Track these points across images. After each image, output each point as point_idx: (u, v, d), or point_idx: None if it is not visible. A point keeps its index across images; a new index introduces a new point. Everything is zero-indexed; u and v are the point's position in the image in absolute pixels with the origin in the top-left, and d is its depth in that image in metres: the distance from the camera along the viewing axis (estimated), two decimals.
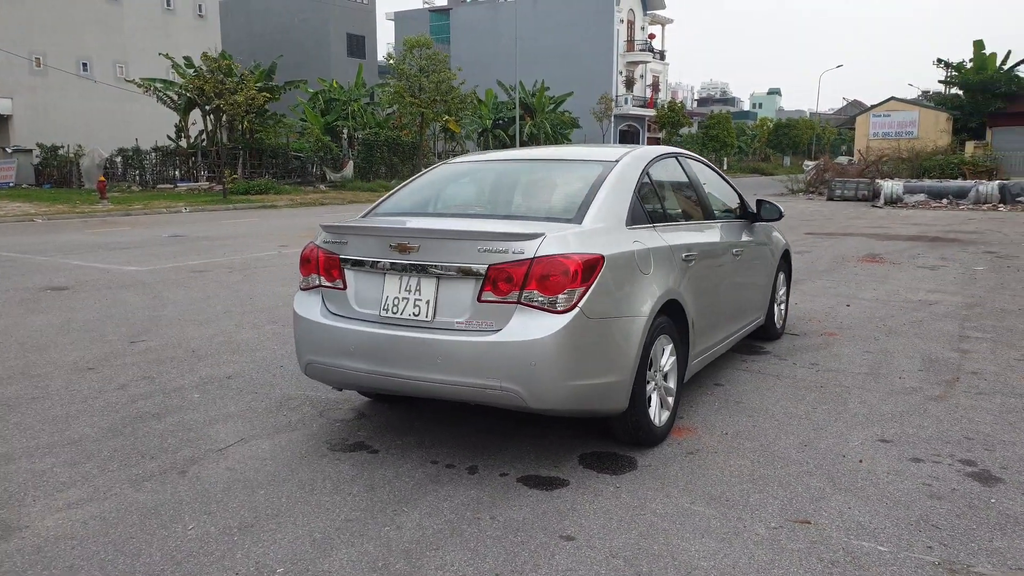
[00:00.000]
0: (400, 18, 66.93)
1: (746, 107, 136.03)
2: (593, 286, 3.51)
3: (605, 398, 3.65)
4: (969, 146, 32.70)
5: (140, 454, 4.06)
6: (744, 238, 5.44)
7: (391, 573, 2.87)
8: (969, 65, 37.50)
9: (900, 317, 7.40)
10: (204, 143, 33.65)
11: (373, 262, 3.82)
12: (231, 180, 28.41)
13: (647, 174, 4.40)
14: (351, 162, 36.99)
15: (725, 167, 66.61)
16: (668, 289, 4.05)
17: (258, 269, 10.84)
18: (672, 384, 4.21)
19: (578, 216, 3.85)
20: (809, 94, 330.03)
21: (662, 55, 61.61)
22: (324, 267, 4.04)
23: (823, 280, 9.72)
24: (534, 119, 46.76)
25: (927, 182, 25.17)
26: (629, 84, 56.88)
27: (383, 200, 4.59)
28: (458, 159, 5.01)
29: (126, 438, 4.29)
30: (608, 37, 55.20)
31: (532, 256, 3.48)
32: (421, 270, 3.69)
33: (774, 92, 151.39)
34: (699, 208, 5.01)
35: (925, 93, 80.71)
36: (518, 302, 3.50)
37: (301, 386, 5.22)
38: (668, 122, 52.39)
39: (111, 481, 3.72)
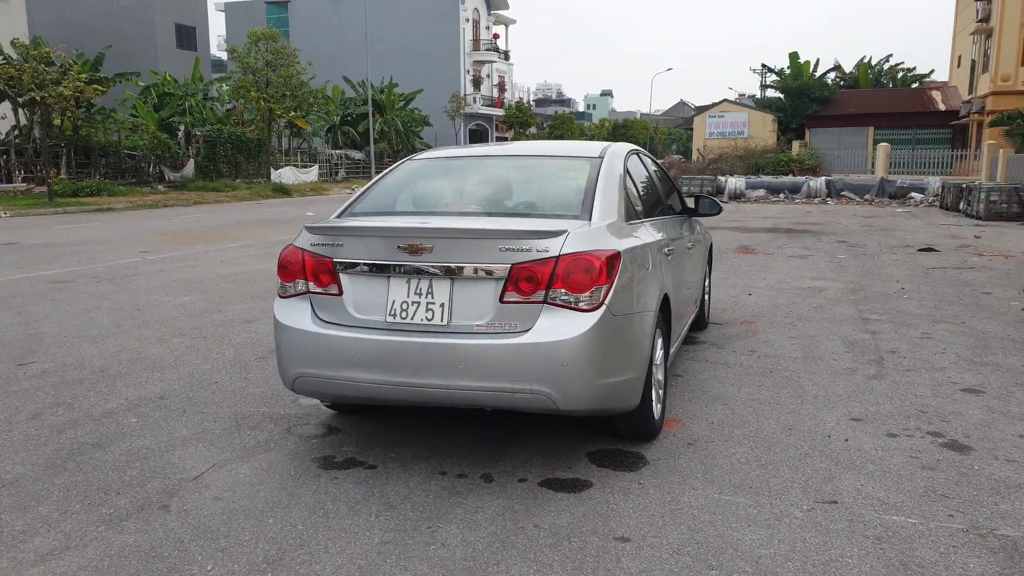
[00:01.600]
0: (232, 9, 63.53)
1: (581, 108, 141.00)
2: (615, 283, 3.48)
3: (625, 395, 3.63)
4: (795, 145, 35.69)
5: (101, 490, 3.58)
6: (687, 232, 5.61)
7: None
8: (788, 72, 40.94)
9: (801, 304, 7.93)
10: (18, 139, 30.33)
11: (377, 265, 3.57)
12: (56, 181, 25.79)
13: (627, 170, 4.42)
14: (192, 161, 34.75)
15: None
16: (663, 283, 4.10)
17: (129, 278, 9.93)
18: (661, 376, 4.26)
19: (584, 213, 3.80)
20: (639, 96, 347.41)
21: (506, 55, 62.58)
22: (312, 272, 3.74)
23: (715, 272, 10.24)
24: (384, 116, 46.04)
25: (765, 178, 27.24)
26: (476, 83, 57.32)
27: (357, 199, 4.31)
28: (426, 155, 4.79)
29: (72, 474, 3.77)
30: (454, 36, 55.33)
31: (557, 254, 3.39)
32: (433, 272, 3.49)
33: (606, 94, 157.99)
34: (660, 203, 5.11)
35: (742, 96, 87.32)
36: (544, 302, 3.40)
37: (249, 403, 4.83)
38: (516, 122, 53.31)
39: (81, 524, 3.26)
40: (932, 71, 48.33)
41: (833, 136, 36.92)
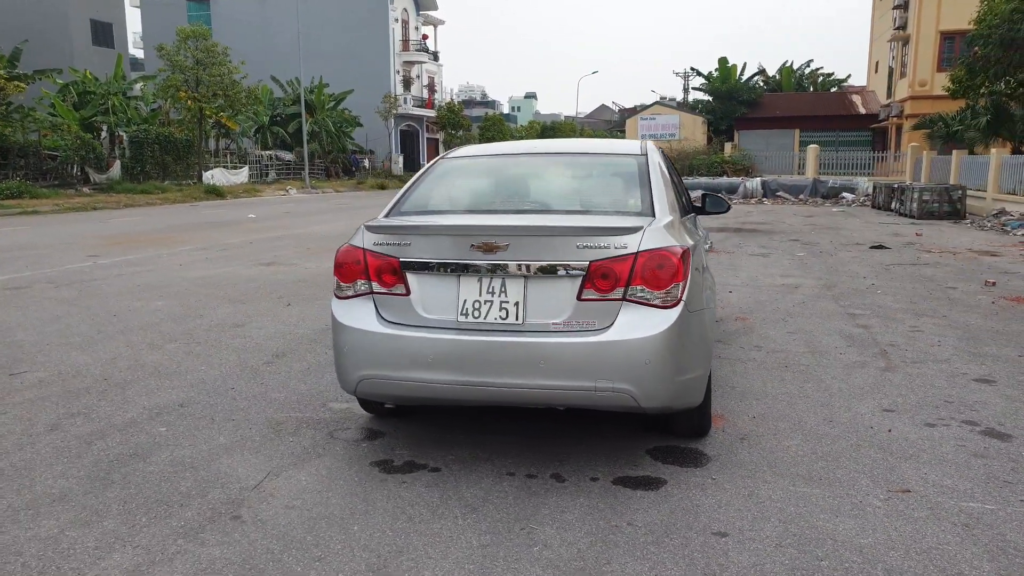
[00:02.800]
0: (149, 5, 61.01)
1: (506, 110, 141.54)
2: (688, 279, 3.51)
3: (695, 392, 3.66)
4: (728, 147, 36.73)
5: (160, 502, 3.40)
6: (701, 230, 5.71)
7: None
8: (716, 75, 42.11)
9: (783, 300, 8.16)
10: None
11: (448, 264, 3.50)
12: None
13: (663, 167, 4.46)
14: (117, 162, 33.25)
15: None
16: (707, 278, 4.16)
17: (88, 283, 9.46)
18: None
19: (646, 209, 3.82)
20: (562, 98, 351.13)
21: (436, 56, 62.25)
22: (376, 272, 3.64)
23: None
24: (315, 116, 45.10)
25: (702, 179, 27.94)
26: (407, 84, 56.78)
27: (401, 199, 4.20)
28: (461, 153, 4.71)
29: (122, 486, 3.58)
30: (384, 36, 54.64)
31: (636, 251, 3.40)
32: (506, 270, 3.45)
33: (531, 96, 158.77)
34: (684, 200, 5.18)
35: (664, 99, 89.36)
36: (624, 299, 3.40)
37: (276, 408, 4.67)
38: (448, 123, 53.07)
39: (156, 537, 3.09)
40: (849, 75, 50.53)
41: (761, 138, 38.15)
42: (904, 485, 3.52)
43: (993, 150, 19.88)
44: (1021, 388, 4.99)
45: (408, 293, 3.58)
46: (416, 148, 57.64)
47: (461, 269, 3.49)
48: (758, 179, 27.12)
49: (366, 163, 51.46)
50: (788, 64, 46.61)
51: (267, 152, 45.39)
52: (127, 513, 3.31)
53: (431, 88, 60.59)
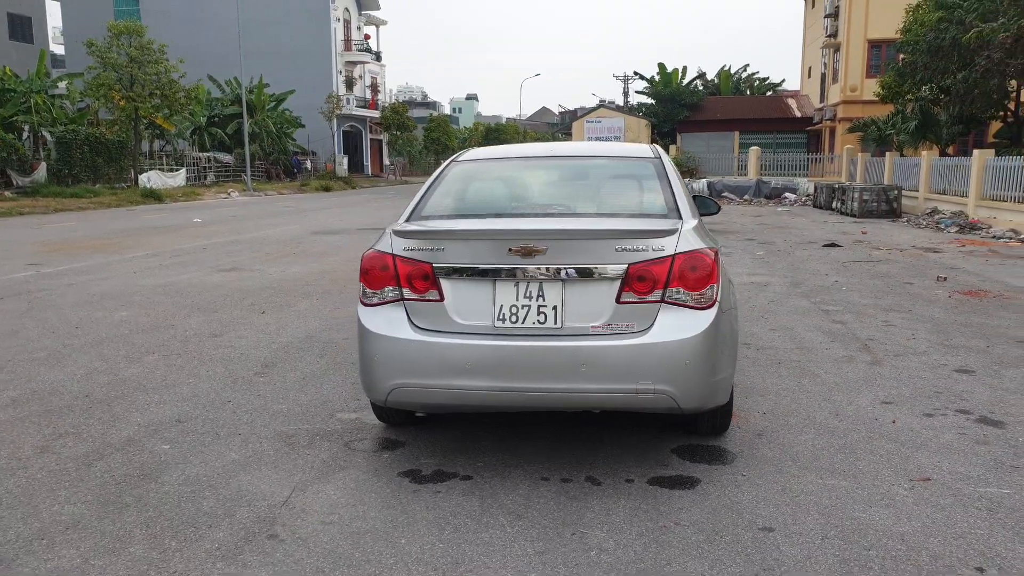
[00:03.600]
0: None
1: (447, 111, 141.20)
2: (720, 280, 3.57)
3: (725, 391, 3.71)
4: (672, 149, 37.37)
5: (186, 524, 3.28)
6: None
7: None
8: (658, 79, 42.84)
9: (756, 298, 8.36)
10: None
11: (486, 269, 3.47)
12: None
13: (676, 169, 4.52)
14: (43, 164, 31.85)
15: None
16: (730, 279, 4.23)
17: (37, 293, 9.06)
18: None
19: (672, 212, 3.86)
20: (503, 100, 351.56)
21: (379, 56, 61.67)
22: (407, 278, 3.58)
23: None
24: (255, 117, 44.10)
25: None
26: (350, 84, 56.08)
27: (419, 203, 4.14)
28: (472, 156, 4.66)
29: (139, 509, 3.43)
30: (325, 35, 53.86)
31: (673, 253, 3.43)
32: (543, 274, 3.44)
33: (472, 97, 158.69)
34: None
35: (603, 102, 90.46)
36: (662, 301, 3.43)
37: (282, 421, 4.56)
38: (392, 124, 52.63)
39: (193, 562, 2.98)
40: (783, 80, 52.11)
41: (703, 140, 38.95)
42: (923, 474, 3.65)
43: (923, 152, 20.78)
44: (998, 377, 5.23)
45: (442, 299, 3.53)
46: (360, 149, 57.00)
47: (498, 274, 3.46)
48: (704, 180, 27.70)
49: (308, 164, 50.60)
50: (726, 68, 47.74)
51: (205, 154, 44.15)
52: (153, 538, 3.17)
53: (374, 88, 59.99)
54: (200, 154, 43.75)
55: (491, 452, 4.00)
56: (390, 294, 3.63)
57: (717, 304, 3.50)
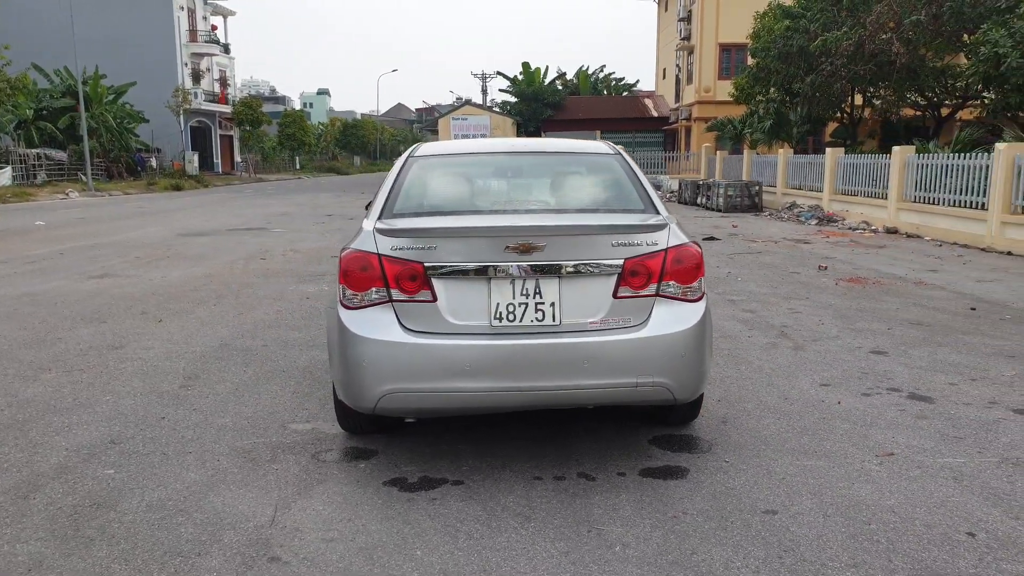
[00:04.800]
0: None
1: (297, 106, 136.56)
2: (704, 273, 3.66)
3: (706, 380, 3.81)
4: None
5: (171, 554, 2.99)
6: None
7: None
8: (521, 79, 43.52)
9: None
10: None
11: (482, 267, 3.37)
12: None
13: None
14: None
15: (299, 166, 66.49)
16: None
17: None
18: None
19: (649, 207, 3.92)
20: (357, 95, 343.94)
21: (227, 48, 58.66)
22: (396, 278, 3.41)
23: None
24: (91, 110, 40.74)
25: None
26: (196, 77, 52.95)
27: (388, 202, 3.94)
28: (429, 152, 4.48)
29: (110, 543, 3.09)
30: (168, 25, 50.58)
31: (666, 247, 3.49)
32: (539, 271, 3.39)
33: (324, 92, 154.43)
34: None
35: (459, 100, 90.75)
36: (656, 295, 3.47)
37: (232, 435, 4.27)
38: (246, 119, 50.28)
39: None
40: (638, 81, 54.33)
41: (567, 138, 39.93)
42: (885, 449, 3.92)
43: (780, 150, 22.34)
44: (908, 356, 5.70)
45: (434, 299, 3.40)
46: (209, 146, 53.98)
47: (493, 272, 3.38)
48: None
49: (153, 162, 47.34)
50: (584, 69, 49.18)
51: (34, 151, 40.33)
52: (137, 572, 2.86)
53: (223, 82, 56.97)
54: (28, 151, 39.92)
55: (472, 456, 3.90)
56: (376, 296, 3.45)
57: (705, 296, 3.59)
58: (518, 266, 3.37)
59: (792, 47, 21.28)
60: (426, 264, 3.39)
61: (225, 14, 58.93)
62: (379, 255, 3.44)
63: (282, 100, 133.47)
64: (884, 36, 17.85)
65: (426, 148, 4.56)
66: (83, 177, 35.78)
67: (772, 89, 24.23)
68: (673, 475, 3.65)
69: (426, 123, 68.30)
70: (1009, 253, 11.35)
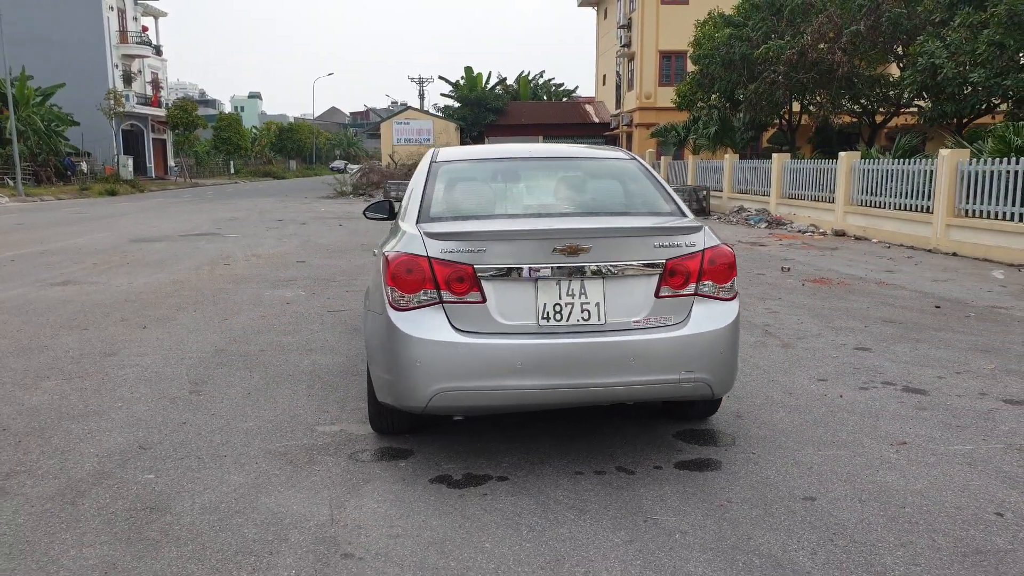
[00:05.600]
0: None
1: (227, 109, 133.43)
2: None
3: (736, 376, 4.00)
4: None
5: (242, 553, 3.01)
6: None
7: (748, 566, 2.87)
8: (463, 83, 43.62)
9: None
10: None
11: (531, 268, 3.48)
12: None
13: None
14: None
15: (233, 171, 65.02)
16: None
17: None
18: None
19: (676, 210, 4.09)
20: (289, 100, 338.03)
21: (159, 50, 56.99)
22: (446, 280, 3.50)
23: None
24: (18, 113, 39.07)
25: None
26: (128, 79, 51.28)
27: (423, 208, 4.01)
28: (452, 156, 4.56)
29: (177, 543, 3.10)
30: (97, 25, 48.87)
31: (703, 248, 3.66)
32: (584, 272, 3.52)
33: (255, 96, 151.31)
34: None
35: (395, 103, 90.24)
36: (695, 294, 3.64)
37: (264, 438, 4.27)
38: (180, 122, 48.95)
39: None
40: (577, 87, 55.02)
41: (510, 143, 40.23)
42: (897, 439, 4.17)
43: (726, 155, 23.02)
44: (892, 352, 6.03)
45: (484, 300, 3.50)
46: (142, 149, 52.33)
47: (540, 273, 3.49)
48: None
49: (83, 166, 45.63)
50: (525, 74, 49.57)
51: None
52: (216, 572, 2.88)
53: (156, 84, 55.32)
54: None
55: (508, 453, 4.00)
56: (426, 297, 3.53)
57: (738, 295, 3.78)
58: (565, 267, 3.49)
59: (735, 55, 21.99)
60: (476, 266, 3.48)
61: (156, 15, 57.28)
62: (429, 258, 3.52)
63: (212, 103, 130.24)
64: (824, 46, 18.64)
65: (447, 153, 4.65)
66: (10, 182, 34.27)
67: (714, 96, 25.00)
68: (708, 467, 3.82)
69: (367, 127, 67.73)
70: (954, 254, 12.01)
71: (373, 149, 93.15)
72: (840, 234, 15.33)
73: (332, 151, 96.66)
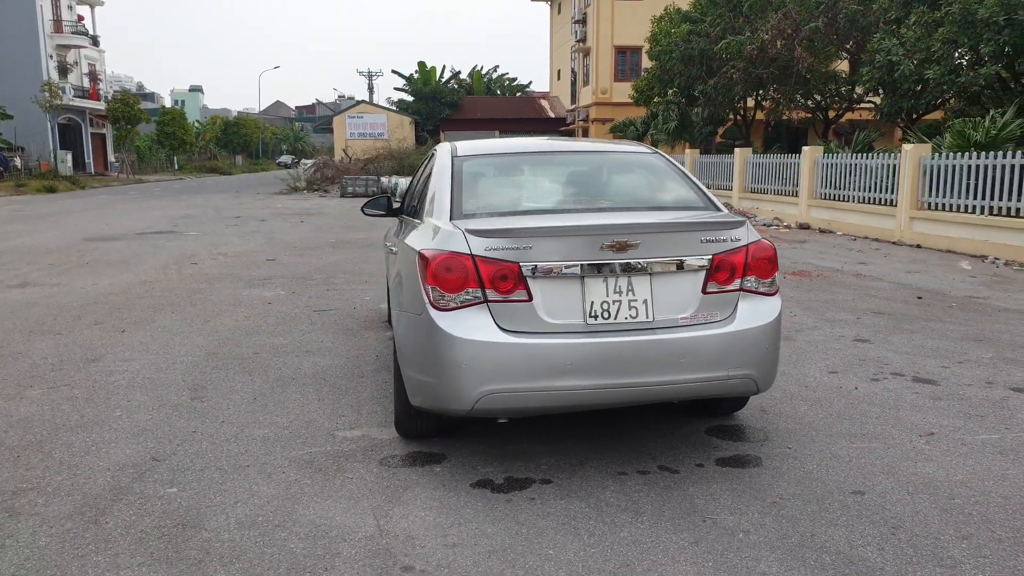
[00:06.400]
0: None
1: (167, 103, 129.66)
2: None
3: None
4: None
5: (297, 569, 2.86)
6: None
7: (821, 564, 2.84)
8: (417, 78, 43.18)
9: None
10: None
11: (579, 266, 3.38)
12: None
13: None
14: None
15: (177, 167, 63.22)
16: None
17: None
18: None
19: (709, 204, 4.04)
20: (230, 93, 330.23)
21: (96, 40, 54.98)
22: (491, 278, 3.38)
23: None
24: None
25: None
26: (63, 71, 49.35)
27: (454, 202, 3.86)
28: (472, 152, 4.41)
29: (223, 562, 2.93)
30: (30, 14, 46.89)
31: (747, 243, 3.61)
32: (631, 269, 3.44)
33: (196, 89, 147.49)
34: None
35: (342, 98, 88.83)
36: (740, 289, 3.60)
37: (284, 446, 4.10)
38: (121, 116, 47.30)
39: None
40: (531, 82, 55.09)
41: (466, 138, 39.65)
42: (924, 430, 4.21)
43: (687, 150, 23.26)
44: (889, 343, 6.12)
45: (530, 299, 3.39)
46: (80, 144, 50.46)
47: (588, 270, 3.40)
48: None
49: (17, 162, 43.74)
50: (478, 69, 49.33)
51: None
52: None
53: (94, 77, 53.35)
54: None
55: (545, 455, 3.91)
56: (470, 296, 3.40)
57: (779, 290, 3.75)
58: (614, 264, 3.41)
59: (694, 50, 22.22)
60: (522, 264, 3.38)
61: (92, 3, 55.21)
62: (472, 255, 3.40)
63: (151, 97, 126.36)
64: (783, 42, 18.94)
65: (467, 148, 4.50)
66: None
67: (670, 91, 25.25)
68: (749, 463, 3.79)
69: (319, 121, 66.49)
70: (919, 246, 12.33)
71: (321, 144, 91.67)
72: (804, 227, 15.61)
73: (279, 146, 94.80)
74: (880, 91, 16.38)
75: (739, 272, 3.59)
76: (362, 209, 6.04)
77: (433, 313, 3.44)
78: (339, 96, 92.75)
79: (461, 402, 3.41)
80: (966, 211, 11.65)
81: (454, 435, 4.16)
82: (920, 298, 8.04)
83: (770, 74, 19.77)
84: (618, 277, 3.45)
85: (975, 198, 11.45)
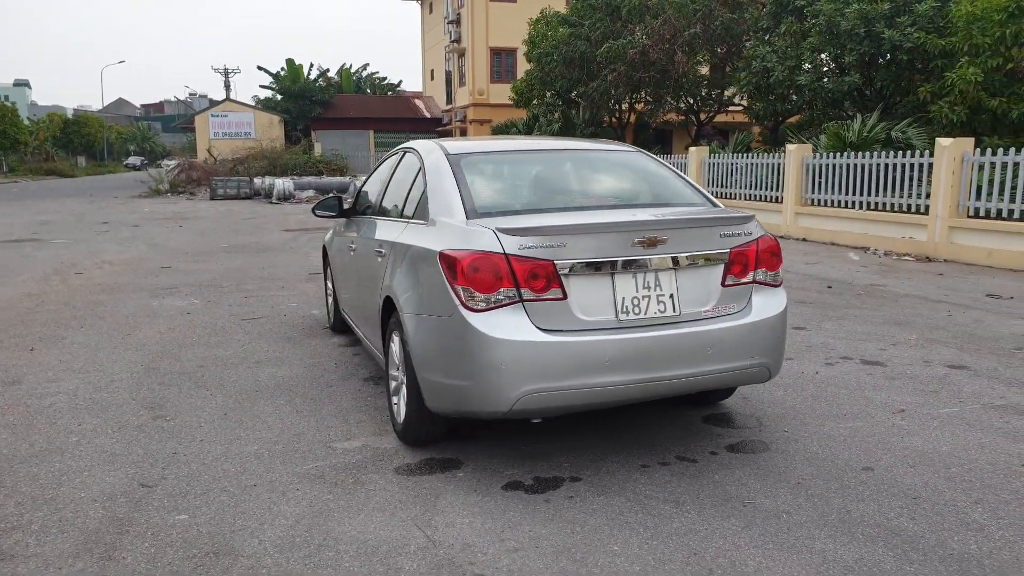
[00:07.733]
0: None
1: None
2: None
3: None
4: (318, 147, 36.62)
5: None
6: None
7: (869, 537, 3.01)
8: (285, 75, 41.67)
9: None
10: None
11: (613, 262, 3.40)
12: None
13: None
14: None
15: (7, 168, 57.80)
16: None
17: None
18: None
19: (705, 200, 4.16)
20: (63, 89, 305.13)
21: None
22: (526, 277, 3.32)
23: None
24: None
25: (310, 179, 27.61)
26: None
27: (464, 201, 3.76)
28: (470, 149, 4.31)
29: None
30: None
31: (757, 236, 3.75)
32: (660, 264, 3.50)
33: (22, 84, 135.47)
34: None
35: (193, 95, 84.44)
36: (753, 282, 3.73)
37: (282, 461, 3.88)
38: None
39: None
40: (401, 81, 54.40)
41: (338, 138, 39.00)
42: (895, 407, 4.53)
43: (690, 150, 23.75)
44: (824, 329, 6.52)
45: (565, 297, 3.37)
46: None
47: (620, 267, 3.43)
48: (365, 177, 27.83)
49: None
50: (347, 67, 48.23)
51: None
52: None
53: None
54: None
55: (559, 452, 3.90)
56: (504, 296, 3.34)
57: (783, 282, 3.93)
58: (644, 260, 3.45)
59: (575, 53, 22.77)
60: (557, 261, 3.35)
61: None
62: (506, 255, 3.34)
63: None
64: (664, 46, 19.77)
65: (461, 146, 4.39)
66: None
67: (548, 93, 25.76)
68: (757, 448, 3.94)
69: (180, 120, 62.64)
70: (804, 239, 13.22)
71: (172, 144, 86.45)
72: None
73: (124, 146, 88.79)
74: (756, 94, 17.40)
75: (752, 265, 3.73)
76: (313, 211, 5.78)
77: (467, 314, 3.35)
78: (191, 94, 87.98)
79: (499, 404, 3.33)
80: (845, 206, 12.61)
81: (461, 440, 4.07)
82: (830, 287, 8.63)
83: (650, 77, 20.57)
84: (647, 273, 3.49)
85: (853, 194, 12.42)
